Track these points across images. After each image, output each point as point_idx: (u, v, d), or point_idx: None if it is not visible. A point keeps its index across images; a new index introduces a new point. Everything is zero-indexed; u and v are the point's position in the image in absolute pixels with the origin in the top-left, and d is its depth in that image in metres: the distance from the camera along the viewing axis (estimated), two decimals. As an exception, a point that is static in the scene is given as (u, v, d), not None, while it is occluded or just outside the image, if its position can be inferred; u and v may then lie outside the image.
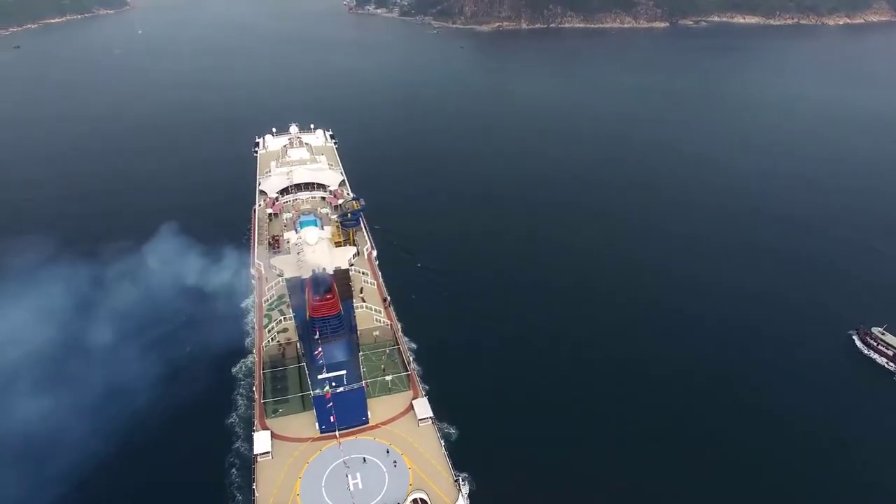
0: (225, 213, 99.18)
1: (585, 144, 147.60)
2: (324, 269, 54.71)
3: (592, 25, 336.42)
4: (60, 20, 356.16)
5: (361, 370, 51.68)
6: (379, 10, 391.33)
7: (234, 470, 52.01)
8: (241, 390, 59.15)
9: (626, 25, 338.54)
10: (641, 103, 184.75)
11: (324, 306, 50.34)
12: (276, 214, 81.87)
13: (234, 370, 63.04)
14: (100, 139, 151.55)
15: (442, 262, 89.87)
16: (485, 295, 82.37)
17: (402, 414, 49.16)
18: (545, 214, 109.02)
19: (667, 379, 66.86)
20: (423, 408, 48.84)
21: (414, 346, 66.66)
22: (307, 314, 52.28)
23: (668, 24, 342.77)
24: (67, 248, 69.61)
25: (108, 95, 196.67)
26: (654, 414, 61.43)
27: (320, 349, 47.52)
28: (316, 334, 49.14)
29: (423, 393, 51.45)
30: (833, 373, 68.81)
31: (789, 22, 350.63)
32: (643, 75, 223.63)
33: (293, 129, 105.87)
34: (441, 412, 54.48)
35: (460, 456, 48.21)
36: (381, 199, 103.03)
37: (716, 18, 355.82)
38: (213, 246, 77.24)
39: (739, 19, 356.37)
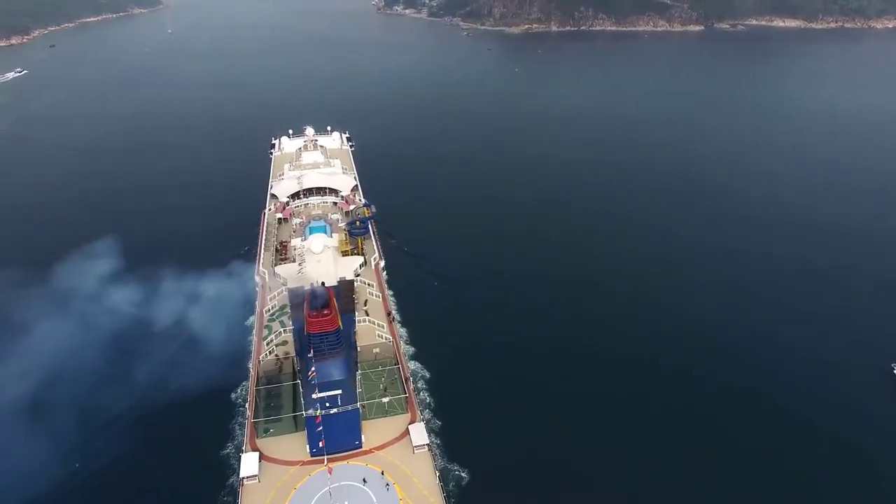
0: (238, 216, 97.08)
1: (611, 150, 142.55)
2: (322, 283, 52.26)
3: (624, 28, 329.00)
4: (96, 19, 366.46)
5: (358, 390, 49.32)
6: (407, 11, 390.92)
7: None
8: (239, 418, 55.21)
9: (659, 29, 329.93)
10: (672, 109, 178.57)
11: (320, 322, 48.02)
12: (285, 219, 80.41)
13: (234, 396, 58.58)
14: (118, 138, 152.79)
15: (457, 272, 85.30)
16: (504, 313, 76.50)
17: (398, 439, 46.63)
18: (570, 222, 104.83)
19: (695, 394, 63.32)
20: (419, 434, 46.21)
21: (427, 374, 62.47)
22: (305, 329, 50.13)
23: (703, 28, 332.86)
24: (62, 252, 67.75)
25: (133, 94, 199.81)
26: (688, 435, 57.95)
27: (313, 369, 45.16)
28: (310, 352, 46.83)
29: (422, 417, 48.80)
30: (873, 406, 63.30)
31: (833, 25, 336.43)
32: (674, 81, 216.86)
33: (309, 130, 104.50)
34: (442, 441, 51.81)
35: (459, 492, 45.30)
36: (396, 204, 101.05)
37: (753, 22, 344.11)
38: (222, 255, 76.02)
39: (779, 23, 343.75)
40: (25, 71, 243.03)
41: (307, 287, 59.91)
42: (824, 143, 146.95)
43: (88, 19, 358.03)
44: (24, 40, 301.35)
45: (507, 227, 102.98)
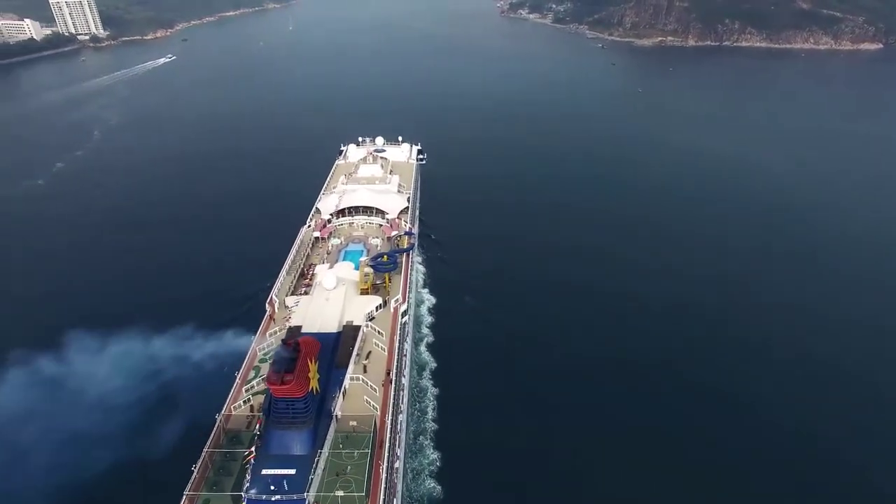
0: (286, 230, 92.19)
1: (746, 209, 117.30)
2: (294, 341, 44.32)
3: (777, 45, 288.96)
4: (235, 13, 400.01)
5: (320, 470, 41.08)
6: (531, 15, 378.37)
7: None
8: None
9: (821, 47, 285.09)
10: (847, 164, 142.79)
11: (282, 389, 40.46)
12: (323, 239, 74.71)
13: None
14: (205, 134, 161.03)
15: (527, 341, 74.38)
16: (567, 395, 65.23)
17: (342, 551, 37.67)
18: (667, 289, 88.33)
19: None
20: (367, 552, 36.87)
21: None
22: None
23: (881, 47, 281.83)
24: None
25: (235, 88, 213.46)
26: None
27: (252, 450, 37.59)
28: (258, 426, 39.33)
29: (381, 526, 39.27)
30: None
31: None
32: (854, 124, 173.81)
33: (379, 140, 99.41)
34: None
35: None
36: (462, 232, 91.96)
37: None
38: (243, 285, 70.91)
39: None
40: (174, 57, 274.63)
41: (311, 327, 53.44)
42: None
43: (227, 13, 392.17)
44: (168, 33, 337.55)
45: (594, 285, 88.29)
